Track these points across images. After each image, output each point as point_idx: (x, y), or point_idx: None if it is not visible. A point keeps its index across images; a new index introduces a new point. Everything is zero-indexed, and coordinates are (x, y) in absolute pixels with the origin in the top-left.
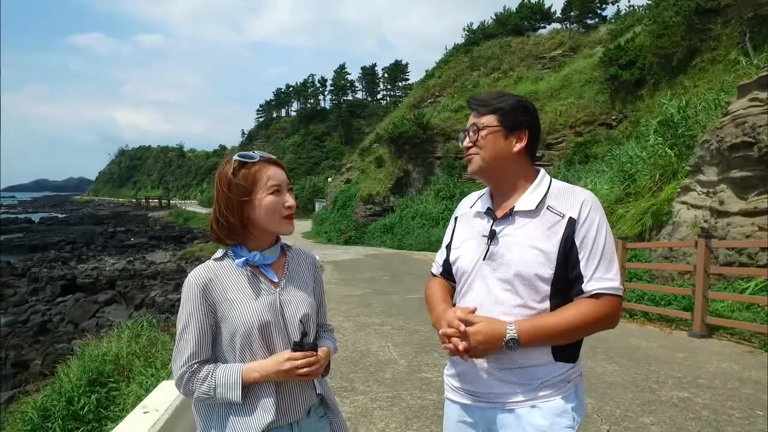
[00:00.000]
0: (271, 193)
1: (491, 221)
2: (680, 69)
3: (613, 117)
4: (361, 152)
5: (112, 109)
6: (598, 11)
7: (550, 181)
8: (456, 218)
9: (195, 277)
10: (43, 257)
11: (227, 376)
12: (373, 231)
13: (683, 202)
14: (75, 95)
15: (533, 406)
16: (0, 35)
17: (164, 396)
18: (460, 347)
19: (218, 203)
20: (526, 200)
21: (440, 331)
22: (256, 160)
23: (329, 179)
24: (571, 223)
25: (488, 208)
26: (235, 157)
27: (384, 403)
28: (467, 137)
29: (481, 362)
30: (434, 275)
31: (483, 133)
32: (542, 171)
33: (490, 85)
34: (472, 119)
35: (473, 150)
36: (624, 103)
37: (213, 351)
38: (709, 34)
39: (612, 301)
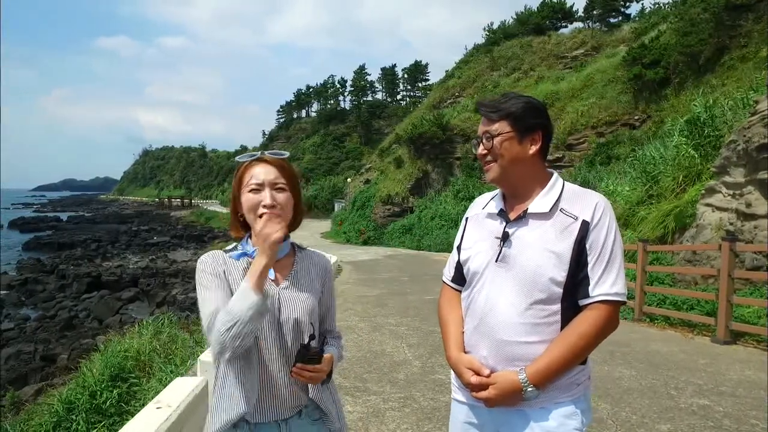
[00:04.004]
0: (250, 191)
1: (504, 223)
2: (707, 67)
3: (636, 117)
4: (380, 153)
5: (135, 111)
6: (622, 9)
7: (563, 183)
8: (467, 219)
9: (209, 256)
10: (71, 255)
11: (237, 293)
12: (392, 232)
13: (708, 204)
14: (101, 97)
15: (543, 408)
16: (0, 36)
17: (178, 392)
18: (482, 395)
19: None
20: (539, 203)
21: (465, 379)
22: (246, 160)
23: (348, 180)
24: (585, 226)
25: (501, 210)
26: (236, 159)
27: (396, 403)
28: (481, 145)
29: (490, 364)
30: (446, 283)
31: (497, 140)
32: (555, 173)
33: (511, 86)
34: (483, 126)
35: (489, 158)
36: (648, 103)
37: None
38: (739, 31)
39: (616, 306)
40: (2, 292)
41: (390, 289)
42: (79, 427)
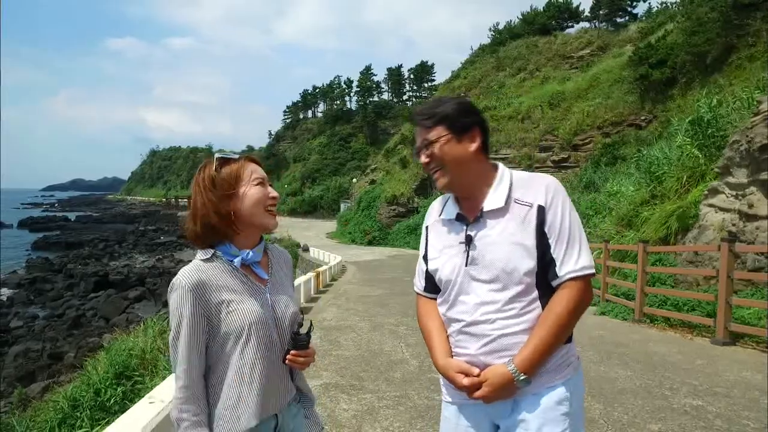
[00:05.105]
0: (256, 185)
1: (464, 226)
2: (715, 67)
3: (643, 117)
4: (386, 153)
5: (143, 111)
6: (629, 9)
7: (510, 173)
8: (427, 227)
9: (186, 278)
10: (78, 254)
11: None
12: (396, 232)
13: (710, 205)
14: (109, 98)
15: (534, 394)
16: (0, 36)
17: (170, 388)
18: (478, 395)
19: (198, 204)
20: (493, 199)
21: (457, 383)
22: (237, 158)
23: (354, 180)
24: (541, 211)
25: (458, 214)
26: (217, 155)
27: (391, 402)
28: (422, 155)
29: (481, 361)
30: (419, 294)
31: (437, 146)
32: (500, 165)
33: (516, 86)
34: (420, 136)
35: (434, 166)
36: (654, 104)
37: (207, 353)
38: (747, 30)
39: (586, 280)
40: (12, 291)
41: (392, 289)
42: (83, 424)
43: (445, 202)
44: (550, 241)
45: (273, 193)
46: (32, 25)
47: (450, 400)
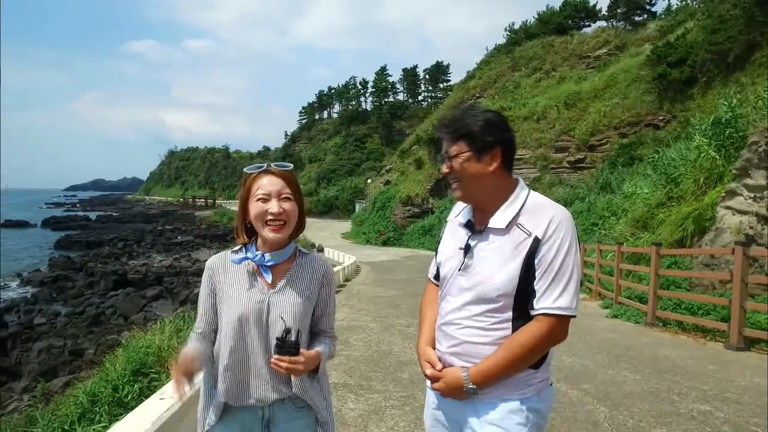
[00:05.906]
0: (258, 200)
1: (469, 234)
2: (737, 65)
3: (661, 118)
4: (401, 154)
5: (162, 112)
6: (647, 7)
7: (527, 195)
8: (447, 222)
9: (209, 262)
10: (99, 253)
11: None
12: (411, 232)
13: (728, 207)
14: (129, 99)
15: (490, 402)
16: (0, 37)
17: None
18: (435, 386)
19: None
20: (499, 218)
21: (423, 370)
22: (254, 172)
23: (369, 180)
24: (536, 242)
25: (468, 221)
26: (244, 170)
27: (397, 402)
28: (444, 165)
29: (448, 360)
30: (430, 280)
31: (456, 161)
32: (520, 184)
33: (532, 86)
34: (445, 146)
35: (452, 177)
36: (672, 103)
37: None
38: None
39: (561, 320)
40: (36, 288)
41: (405, 290)
42: (102, 419)
43: (464, 206)
44: (536, 273)
45: (273, 208)
46: (54, 28)
47: (431, 386)
